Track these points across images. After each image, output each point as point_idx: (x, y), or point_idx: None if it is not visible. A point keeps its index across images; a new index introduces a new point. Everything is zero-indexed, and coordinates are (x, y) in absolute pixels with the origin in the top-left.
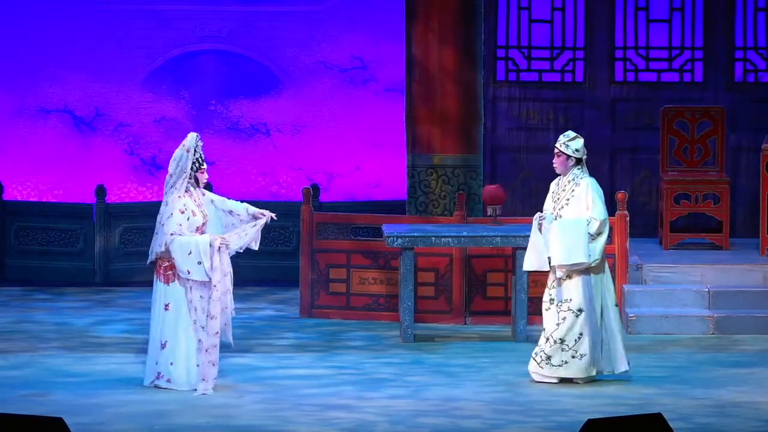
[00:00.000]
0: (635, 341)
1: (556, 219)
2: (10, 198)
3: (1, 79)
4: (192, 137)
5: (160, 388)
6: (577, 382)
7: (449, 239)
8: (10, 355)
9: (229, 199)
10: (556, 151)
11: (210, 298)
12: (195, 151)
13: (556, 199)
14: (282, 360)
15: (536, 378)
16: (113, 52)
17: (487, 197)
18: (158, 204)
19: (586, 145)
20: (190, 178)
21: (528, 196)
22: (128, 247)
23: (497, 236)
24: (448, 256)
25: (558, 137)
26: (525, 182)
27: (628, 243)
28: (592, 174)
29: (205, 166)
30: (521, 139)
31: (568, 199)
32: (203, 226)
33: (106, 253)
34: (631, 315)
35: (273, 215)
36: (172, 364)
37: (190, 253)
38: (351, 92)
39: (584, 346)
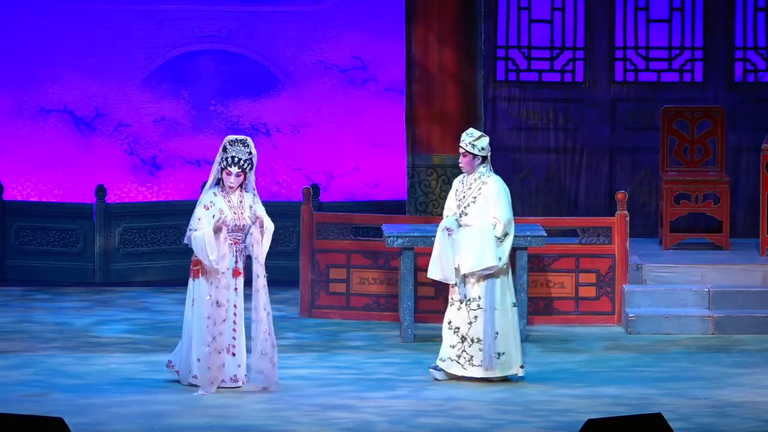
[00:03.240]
0: (635, 341)
1: (460, 219)
2: (10, 198)
3: (1, 79)
4: (229, 137)
5: (193, 385)
6: (492, 380)
7: None
8: (10, 355)
9: (262, 214)
10: (462, 151)
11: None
12: (225, 149)
13: (461, 197)
14: (282, 360)
15: (452, 374)
16: (113, 52)
17: None
18: (158, 204)
19: (586, 145)
20: (218, 177)
21: (528, 196)
22: (128, 247)
23: None
24: None
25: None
26: (525, 182)
27: (628, 243)
28: (593, 173)
29: (232, 169)
30: (521, 139)
31: (474, 197)
32: (237, 228)
33: (106, 253)
34: (631, 315)
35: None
36: (199, 360)
37: (202, 248)
38: (351, 92)
39: (502, 344)
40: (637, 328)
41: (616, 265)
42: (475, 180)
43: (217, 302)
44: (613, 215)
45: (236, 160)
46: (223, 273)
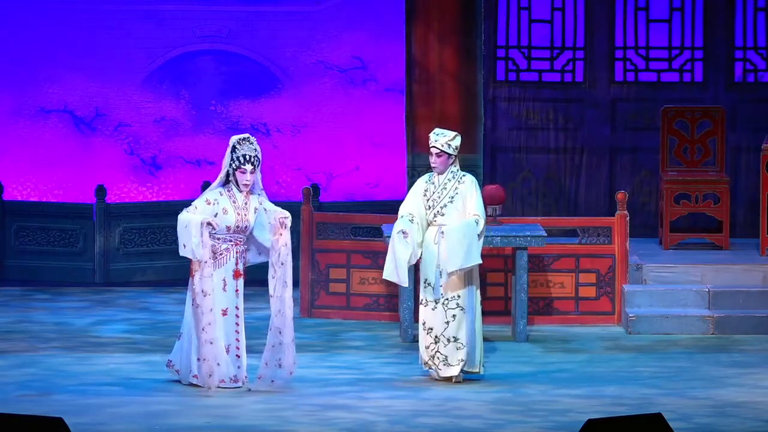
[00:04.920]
0: (635, 341)
1: (434, 220)
2: (10, 198)
3: (1, 79)
4: (235, 136)
5: (193, 384)
6: (458, 380)
7: None
8: (10, 355)
9: (275, 207)
10: (436, 151)
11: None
12: (235, 149)
13: (434, 197)
14: None
15: (436, 376)
16: (113, 52)
17: (487, 197)
18: (158, 204)
19: (586, 145)
20: (230, 176)
21: (528, 196)
22: (128, 247)
23: (497, 236)
24: None
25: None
26: (525, 182)
27: (628, 243)
28: (593, 173)
29: (246, 167)
30: (521, 139)
31: (452, 197)
32: (239, 230)
33: (106, 253)
34: (631, 315)
35: (280, 220)
36: (199, 360)
37: (186, 226)
38: (351, 92)
39: (478, 343)
40: (637, 328)
41: (616, 265)
42: (450, 180)
43: (203, 291)
44: (613, 215)
45: (248, 158)
46: (205, 262)
